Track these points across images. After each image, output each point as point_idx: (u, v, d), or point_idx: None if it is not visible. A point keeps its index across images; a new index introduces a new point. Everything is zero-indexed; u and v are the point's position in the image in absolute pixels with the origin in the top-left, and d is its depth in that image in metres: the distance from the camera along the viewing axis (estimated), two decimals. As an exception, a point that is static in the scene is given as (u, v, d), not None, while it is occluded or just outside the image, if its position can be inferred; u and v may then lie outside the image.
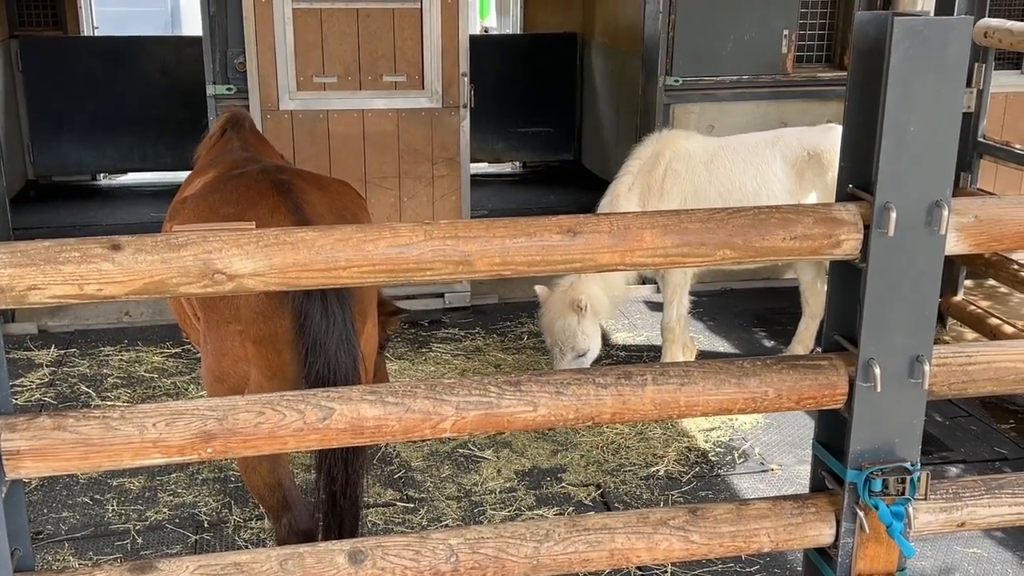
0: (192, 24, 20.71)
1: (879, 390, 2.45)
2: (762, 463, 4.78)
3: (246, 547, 3.98)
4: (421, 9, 6.29)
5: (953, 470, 4.80)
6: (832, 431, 2.65)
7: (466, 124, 6.56)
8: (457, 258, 2.24)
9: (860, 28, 2.41)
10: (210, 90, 6.36)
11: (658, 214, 2.34)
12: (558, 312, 5.17)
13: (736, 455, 4.84)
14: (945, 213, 2.34)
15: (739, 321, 6.76)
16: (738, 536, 2.59)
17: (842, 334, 2.57)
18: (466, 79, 6.45)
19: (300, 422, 2.27)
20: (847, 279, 2.53)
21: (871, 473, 2.52)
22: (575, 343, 5.18)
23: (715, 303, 7.06)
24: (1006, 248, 2.58)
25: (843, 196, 2.51)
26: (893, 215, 2.32)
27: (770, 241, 2.37)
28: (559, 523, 2.52)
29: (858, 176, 2.47)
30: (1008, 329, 5.99)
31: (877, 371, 2.44)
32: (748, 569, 3.93)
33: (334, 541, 2.45)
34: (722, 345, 6.34)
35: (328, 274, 2.19)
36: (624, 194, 5.43)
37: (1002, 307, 7.07)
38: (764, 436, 5.06)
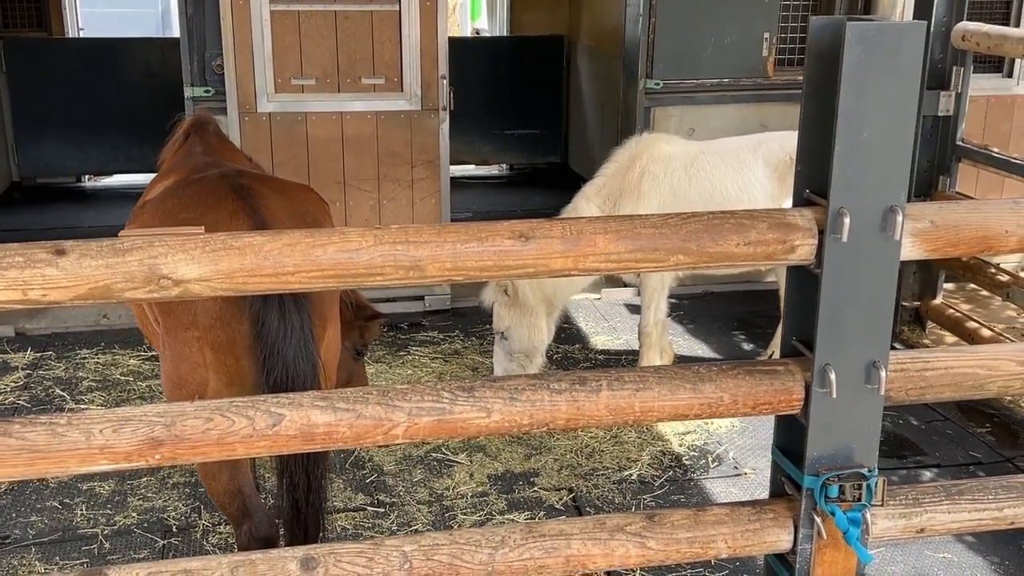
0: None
1: (835, 396, 2.44)
2: (736, 467, 4.77)
3: (215, 552, 3.96)
4: (400, 12, 6.28)
5: (927, 474, 4.80)
6: (790, 437, 2.65)
7: (445, 127, 6.55)
8: (407, 263, 2.23)
9: (815, 33, 2.41)
10: (188, 92, 6.35)
11: (612, 219, 2.34)
12: (487, 292, 5.25)
13: (710, 459, 4.84)
14: (899, 218, 2.34)
15: (719, 324, 6.75)
16: (695, 542, 2.58)
17: (799, 339, 2.56)
18: (445, 81, 6.44)
19: (249, 428, 2.25)
20: (803, 285, 2.52)
21: (828, 479, 2.51)
22: (494, 322, 5.34)
23: (695, 306, 7.05)
24: (962, 253, 2.57)
25: (799, 201, 2.51)
26: (847, 220, 2.32)
27: (724, 247, 2.36)
28: (515, 529, 2.51)
29: (814, 181, 2.46)
30: (986, 333, 5.99)
31: (833, 377, 2.43)
32: (717, 574, 3.92)
33: (286, 548, 2.44)
34: (701, 349, 6.33)
35: (276, 279, 2.17)
36: (592, 195, 5.44)
37: (983, 310, 7.08)
38: (739, 440, 5.05)
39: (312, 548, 2.42)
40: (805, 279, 2.50)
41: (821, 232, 2.38)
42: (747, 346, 6.40)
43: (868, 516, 2.52)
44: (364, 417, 2.31)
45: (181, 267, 2.12)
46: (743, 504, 2.67)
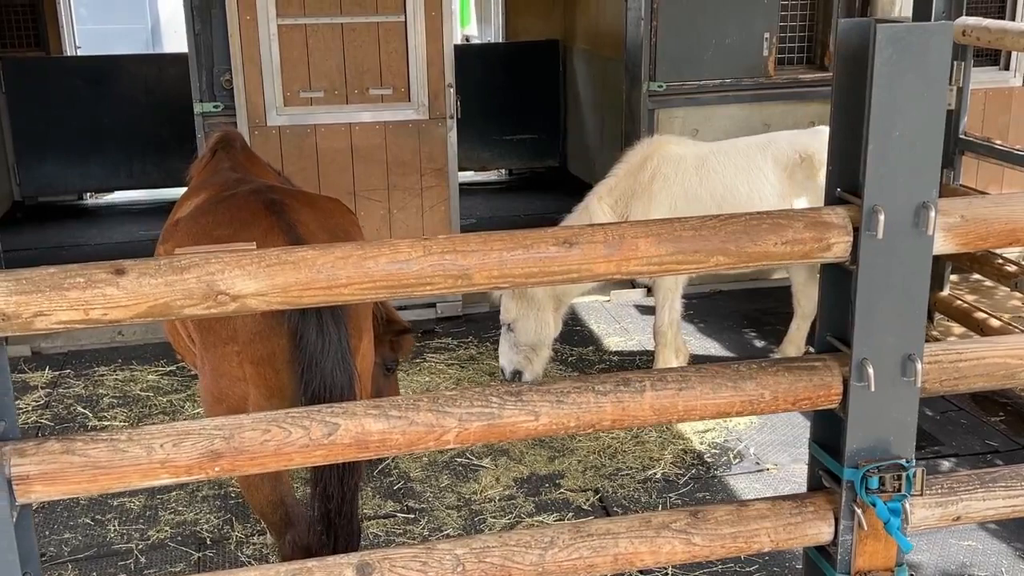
0: (173, 41, 20.71)
1: (873, 389, 2.49)
2: (757, 463, 4.83)
3: (250, 563, 4.00)
4: (405, 22, 6.33)
5: (945, 464, 4.86)
6: (828, 431, 2.69)
7: (453, 135, 6.61)
8: (456, 272, 2.28)
9: (843, 35, 2.46)
10: (197, 108, 6.38)
11: (652, 223, 2.38)
12: None
13: (731, 456, 4.89)
14: (932, 214, 2.39)
15: (729, 323, 6.81)
16: (739, 537, 2.62)
17: (834, 335, 2.61)
18: (452, 90, 6.49)
19: (306, 438, 2.30)
20: (838, 281, 2.57)
21: (868, 471, 2.56)
22: (502, 313, 5.46)
23: (704, 305, 7.11)
24: (991, 246, 2.63)
25: (831, 200, 2.56)
26: (882, 217, 2.37)
27: (762, 247, 2.41)
28: (563, 529, 2.56)
29: (845, 180, 2.51)
30: (995, 323, 6.05)
31: (871, 370, 2.48)
32: (747, 569, 3.98)
33: (342, 555, 2.47)
34: (713, 347, 6.39)
35: (329, 292, 2.22)
36: (604, 194, 5.50)
37: (988, 301, 7.14)
38: (758, 436, 5.10)
39: (367, 554, 2.46)
40: (839, 276, 2.55)
41: (855, 229, 2.44)
42: (758, 343, 6.46)
43: (907, 506, 2.57)
44: (416, 424, 2.36)
45: (238, 283, 2.16)
46: (784, 498, 2.71)
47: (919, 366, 2.50)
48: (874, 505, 2.55)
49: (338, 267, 2.21)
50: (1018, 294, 7.07)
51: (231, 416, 2.32)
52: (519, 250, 2.30)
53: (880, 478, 2.56)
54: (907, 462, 2.60)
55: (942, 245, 2.50)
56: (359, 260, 2.23)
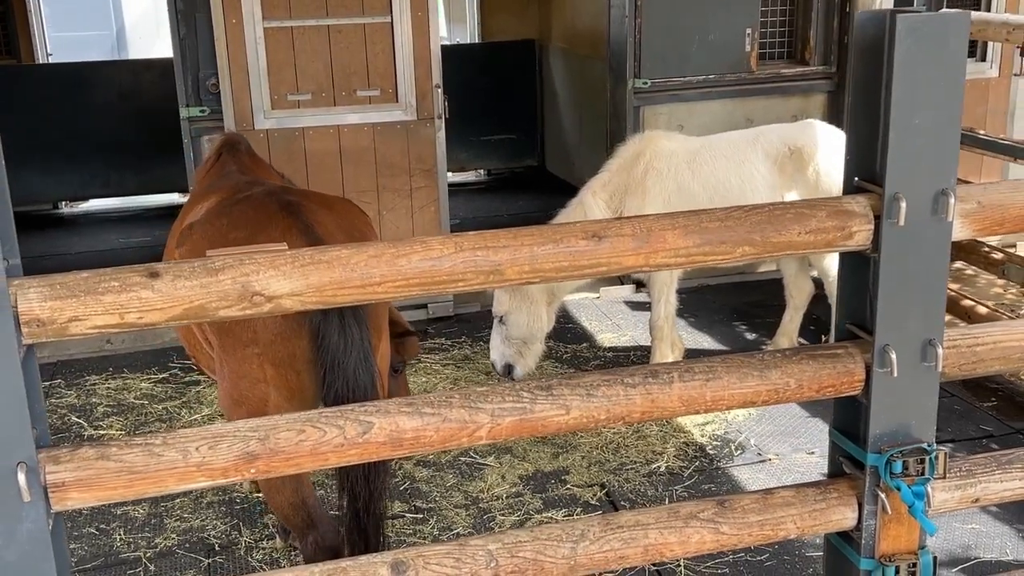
0: (139, 48, 20.52)
1: (895, 375, 2.52)
2: (759, 454, 4.87)
3: (261, 568, 3.98)
4: (392, 23, 6.33)
5: (943, 449, 4.90)
6: (849, 417, 2.72)
7: (441, 135, 6.61)
8: (488, 268, 2.28)
9: (860, 26, 2.49)
10: (183, 112, 6.35)
11: (678, 215, 2.40)
12: None
13: (733, 447, 4.93)
14: (951, 201, 2.42)
15: (718, 316, 6.86)
16: (766, 525, 2.65)
17: (854, 323, 2.64)
18: (439, 90, 6.50)
19: (341, 437, 2.30)
20: (857, 269, 2.60)
21: (891, 456, 2.59)
22: (494, 306, 5.46)
23: (693, 300, 7.15)
24: (1007, 231, 2.67)
25: (850, 189, 2.58)
26: (903, 205, 2.40)
27: (787, 236, 2.44)
28: (593, 522, 2.57)
29: (863, 169, 2.54)
30: (982, 310, 6.14)
31: (893, 356, 2.51)
32: (758, 558, 4.01)
33: (375, 554, 2.48)
34: (706, 341, 6.43)
35: (364, 290, 2.22)
36: (598, 189, 5.51)
37: (971, 289, 7.24)
38: (757, 427, 5.15)
39: (400, 552, 2.46)
40: (859, 264, 2.58)
41: (876, 218, 2.47)
42: (750, 336, 6.51)
43: (930, 489, 2.61)
44: (450, 421, 2.36)
45: (273, 283, 2.16)
46: (807, 485, 2.74)
47: (940, 351, 2.53)
48: (899, 489, 2.58)
49: (371, 266, 2.21)
50: (1000, 281, 7.19)
51: (265, 418, 2.31)
52: (549, 244, 2.31)
53: (904, 462, 2.60)
54: (929, 446, 2.63)
55: (960, 231, 2.54)
56: (392, 258, 2.23)
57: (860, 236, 2.48)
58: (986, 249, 6.10)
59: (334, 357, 2.87)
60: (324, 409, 2.35)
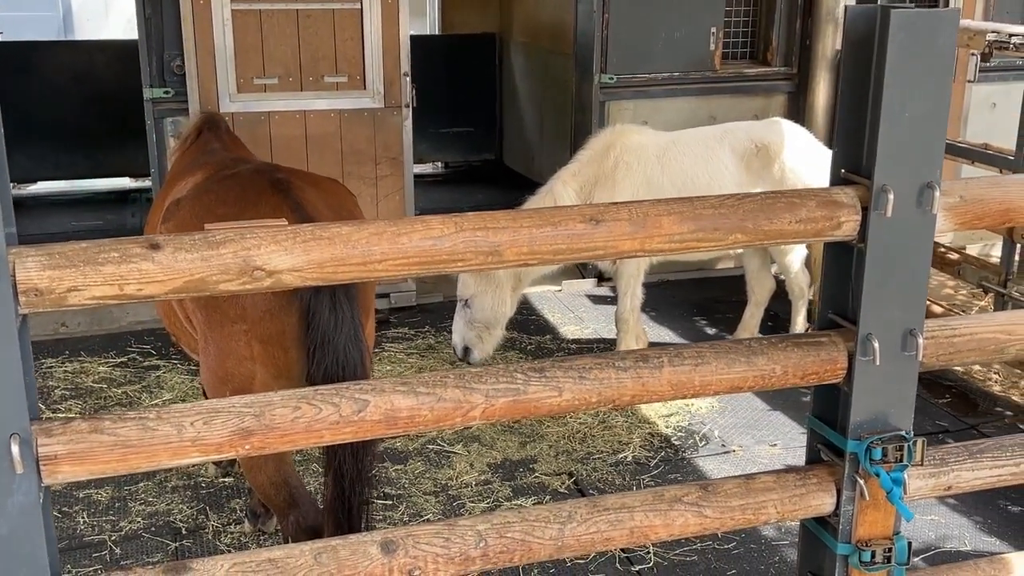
0: (87, 30, 20.14)
1: (878, 363, 2.58)
2: (723, 445, 4.93)
3: (229, 551, 3.94)
4: (361, 10, 6.29)
5: (921, 438, 5.02)
6: (829, 405, 2.77)
7: (408, 124, 6.60)
8: (487, 248, 2.30)
9: (851, 21, 2.54)
10: (147, 94, 6.25)
11: (674, 201, 2.43)
12: None
13: (697, 438, 4.99)
14: (936, 194, 2.49)
15: (679, 311, 6.93)
16: (748, 509, 2.69)
17: (836, 312, 2.70)
18: (408, 79, 6.48)
19: (336, 415, 2.29)
20: (841, 259, 2.65)
21: (871, 443, 2.65)
22: (459, 289, 5.54)
23: (654, 294, 7.19)
24: (986, 226, 2.75)
25: (836, 180, 2.64)
26: (891, 197, 2.46)
27: (778, 225, 2.48)
28: (580, 505, 2.59)
29: (850, 161, 2.60)
30: (937, 309, 6.29)
31: (876, 345, 2.57)
32: (726, 546, 4.07)
33: (364, 533, 2.49)
34: (667, 335, 6.50)
35: (364, 268, 2.22)
36: (568, 179, 5.55)
37: (923, 289, 7.40)
38: (721, 419, 5.22)
39: (390, 531, 2.46)
40: (843, 254, 2.63)
41: (863, 209, 2.52)
42: (709, 331, 6.59)
43: (906, 476, 2.68)
44: (444, 400, 2.37)
45: (274, 258, 2.15)
46: (788, 471, 2.79)
47: (920, 341, 2.60)
48: (878, 476, 2.64)
49: (372, 243, 2.21)
50: (952, 282, 7.36)
51: (260, 394, 2.30)
52: (548, 227, 2.33)
53: (883, 449, 2.66)
54: (907, 433, 2.70)
55: (943, 224, 2.60)
56: (393, 236, 2.23)
57: (848, 226, 2.53)
58: (942, 249, 6.25)
59: (324, 334, 2.86)
60: (320, 387, 2.34)
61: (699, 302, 7.10)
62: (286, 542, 3.18)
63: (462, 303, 5.48)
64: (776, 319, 6.49)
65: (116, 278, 2.06)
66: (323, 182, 3.32)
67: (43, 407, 5.26)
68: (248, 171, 3.19)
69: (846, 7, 2.80)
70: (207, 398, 3.31)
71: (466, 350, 5.53)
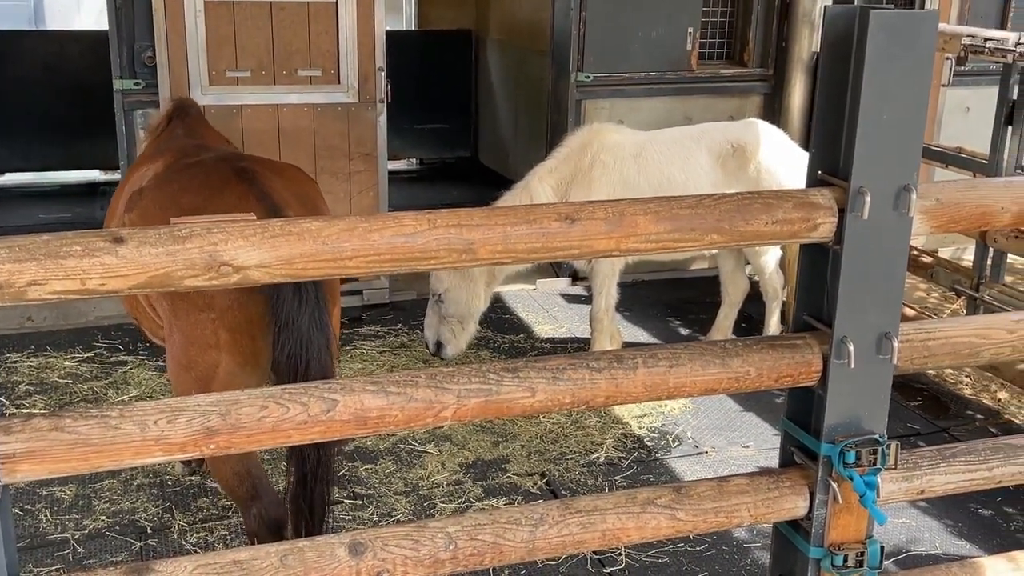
0: (58, 20, 19.87)
1: (852, 366, 2.57)
2: (696, 446, 4.92)
3: (195, 551, 3.88)
4: (336, 3, 6.23)
5: (895, 441, 5.03)
6: (803, 407, 2.75)
7: (383, 119, 6.54)
8: (460, 246, 2.26)
9: (831, 21, 2.52)
10: (117, 85, 6.16)
11: (651, 200, 2.40)
12: None
13: (670, 439, 4.98)
14: (913, 196, 2.47)
15: (653, 311, 6.92)
16: (720, 512, 2.67)
17: (811, 314, 2.68)
18: (382, 73, 6.42)
19: (304, 415, 2.25)
20: (817, 261, 2.64)
21: (845, 446, 2.63)
22: (432, 283, 5.54)
23: (628, 294, 7.16)
24: (961, 229, 2.74)
25: (813, 181, 2.62)
26: (867, 199, 2.44)
27: (754, 226, 2.46)
28: (552, 507, 2.56)
29: (827, 162, 2.58)
30: (909, 312, 6.31)
31: (851, 348, 2.55)
32: (698, 548, 4.05)
33: (332, 535, 2.43)
34: (641, 335, 6.48)
35: (334, 264, 2.17)
36: (545, 176, 5.53)
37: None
38: (693, 421, 5.20)
39: (358, 533, 2.42)
40: (819, 256, 2.61)
41: (840, 210, 2.50)
42: (683, 331, 6.58)
43: (880, 480, 2.67)
44: (415, 400, 2.33)
45: (241, 254, 2.10)
46: (761, 474, 2.77)
47: (895, 344, 2.58)
48: (851, 479, 2.62)
49: (343, 239, 2.17)
50: (924, 285, 7.39)
51: (227, 392, 2.25)
52: (523, 225, 2.29)
53: (857, 452, 2.65)
54: (881, 437, 2.69)
55: (919, 226, 2.59)
56: (364, 232, 2.19)
57: (824, 228, 2.51)
58: (915, 252, 6.27)
59: (288, 315, 2.81)
60: (288, 386, 2.30)
61: (673, 302, 7.09)
62: (249, 536, 3.12)
63: (435, 297, 5.46)
64: (750, 320, 6.49)
65: (78, 272, 2.00)
66: (287, 170, 3.27)
67: (7, 402, 5.17)
68: (212, 160, 3.13)
69: (824, 8, 2.79)
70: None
71: (439, 345, 5.51)
